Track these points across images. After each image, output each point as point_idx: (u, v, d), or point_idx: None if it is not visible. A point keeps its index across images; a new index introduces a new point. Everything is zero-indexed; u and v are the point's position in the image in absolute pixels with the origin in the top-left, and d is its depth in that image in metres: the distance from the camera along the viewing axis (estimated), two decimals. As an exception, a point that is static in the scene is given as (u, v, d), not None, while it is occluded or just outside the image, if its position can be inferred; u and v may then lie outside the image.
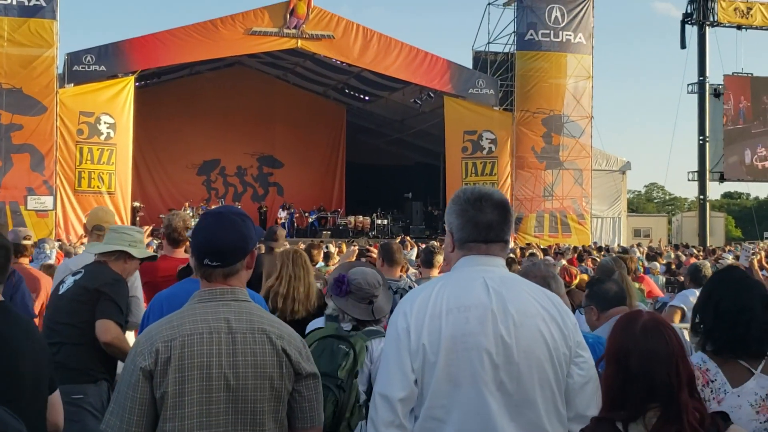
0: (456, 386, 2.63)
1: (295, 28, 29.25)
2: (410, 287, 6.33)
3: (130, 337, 6.72)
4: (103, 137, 27.42)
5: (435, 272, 6.95)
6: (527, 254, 14.35)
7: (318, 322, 4.27)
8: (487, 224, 2.79)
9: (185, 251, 6.10)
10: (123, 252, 5.16)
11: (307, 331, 4.21)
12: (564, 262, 12.64)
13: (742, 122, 39.37)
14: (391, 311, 5.73)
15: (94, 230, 6.03)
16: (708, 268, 7.11)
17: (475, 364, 2.62)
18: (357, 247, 8.29)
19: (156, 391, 2.65)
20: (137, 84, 28.99)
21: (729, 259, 15.85)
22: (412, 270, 11.00)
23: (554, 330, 2.70)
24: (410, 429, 2.67)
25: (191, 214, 28.47)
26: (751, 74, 39.59)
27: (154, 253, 5.97)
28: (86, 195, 26.83)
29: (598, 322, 4.52)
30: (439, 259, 6.96)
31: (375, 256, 6.90)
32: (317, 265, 9.42)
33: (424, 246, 9.57)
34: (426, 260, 7.07)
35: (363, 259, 6.73)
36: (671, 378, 2.41)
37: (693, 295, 7.13)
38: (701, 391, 2.94)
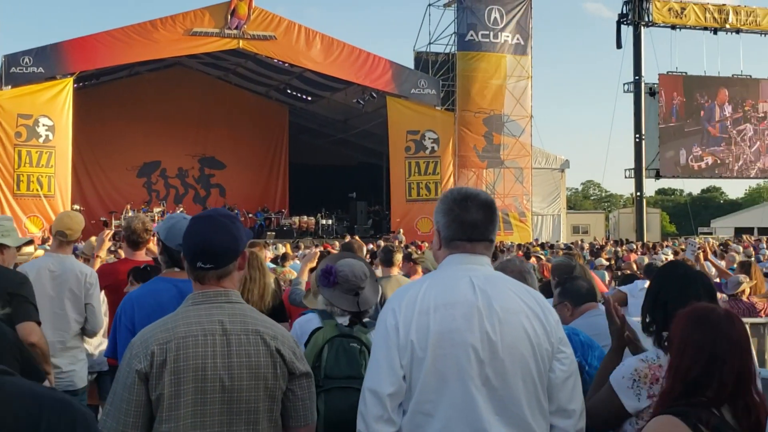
0: (443, 381, 2.70)
1: (236, 28, 29.11)
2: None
3: (92, 343, 6.71)
4: (41, 140, 26.95)
5: (395, 270, 7.08)
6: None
7: (312, 319, 4.29)
8: (472, 223, 2.87)
9: (146, 253, 6.10)
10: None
11: (304, 330, 4.21)
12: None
13: (674, 120, 40.28)
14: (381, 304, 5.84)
15: (57, 236, 6.00)
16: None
17: (462, 360, 2.69)
18: (318, 250, 8.35)
19: (152, 393, 2.68)
20: (76, 86, 28.52)
21: (669, 254, 16.28)
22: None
23: (537, 326, 2.78)
24: (399, 423, 2.72)
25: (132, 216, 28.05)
26: (685, 73, 40.55)
27: (29, 238, 5.91)
28: (25, 198, 26.39)
29: (572, 318, 4.65)
30: (398, 257, 7.08)
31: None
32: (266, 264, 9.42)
33: (374, 247, 9.67)
34: (385, 259, 7.18)
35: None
36: (749, 365, 2.53)
37: (644, 284, 7.40)
38: (650, 387, 3.03)
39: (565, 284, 4.90)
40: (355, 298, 4.13)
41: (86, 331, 6.02)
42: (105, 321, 6.20)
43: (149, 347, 2.71)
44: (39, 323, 4.84)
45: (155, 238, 4.57)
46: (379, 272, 7.08)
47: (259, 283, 5.25)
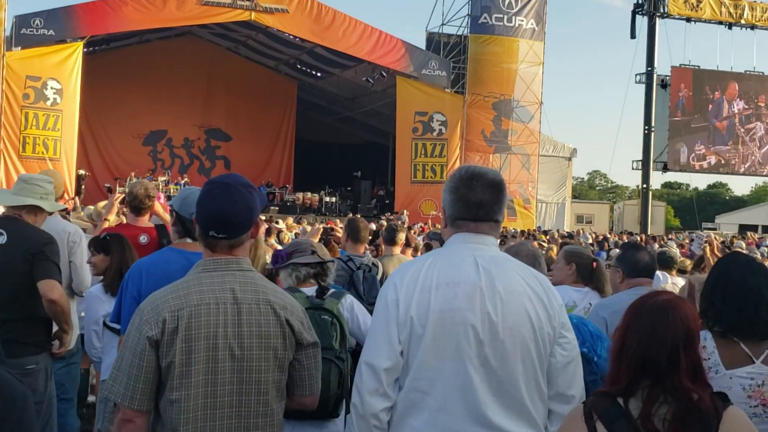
0: (441, 359, 2.67)
1: (248, 0, 28.93)
2: (374, 263, 6.37)
3: (73, 305, 6.66)
4: (49, 102, 26.90)
5: (397, 249, 7.03)
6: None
7: None
8: (477, 203, 2.83)
9: (149, 219, 6.07)
10: (34, 205, 5.11)
11: None
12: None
13: (680, 114, 40.03)
14: (353, 281, 5.82)
15: None
16: (677, 254, 7.33)
17: (461, 339, 2.67)
18: (321, 226, 8.29)
19: (162, 360, 2.68)
20: (86, 50, 28.47)
21: (673, 248, 16.19)
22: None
23: (540, 309, 2.75)
24: (394, 398, 2.71)
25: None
26: (698, 66, 40.33)
27: (64, 206, 5.87)
28: (30, 160, 26.34)
29: (621, 285, 4.71)
30: (401, 237, 7.03)
31: (339, 234, 6.91)
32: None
33: (375, 225, 9.62)
34: (388, 238, 7.12)
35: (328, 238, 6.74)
36: (663, 359, 2.45)
37: (665, 279, 7.40)
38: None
39: (626, 252, 4.92)
40: (313, 255, 4.21)
41: (73, 289, 5.97)
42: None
43: (161, 314, 2.70)
44: (60, 282, 4.87)
45: (169, 210, 4.55)
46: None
47: (250, 254, 5.26)
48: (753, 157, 41.90)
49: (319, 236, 6.81)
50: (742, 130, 41.45)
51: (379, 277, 6.19)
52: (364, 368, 2.73)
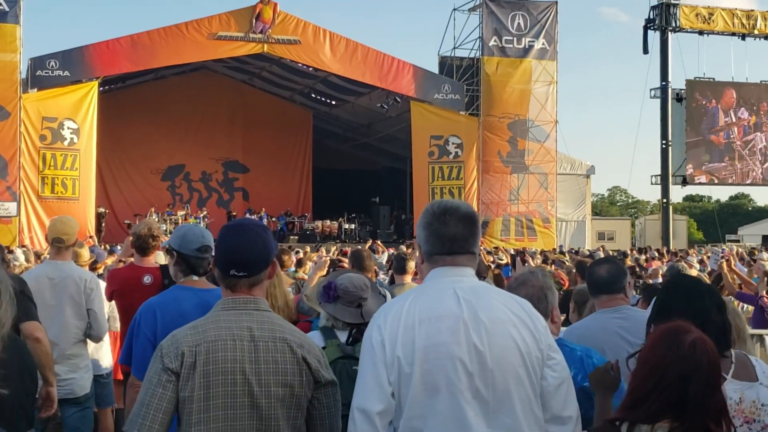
0: (432, 396, 2.65)
1: (261, 32, 29.21)
2: (381, 294, 6.32)
3: (99, 348, 6.70)
4: (66, 143, 27.19)
5: (408, 278, 6.98)
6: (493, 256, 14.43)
7: (315, 338, 4.25)
8: (451, 237, 2.83)
9: (155, 259, 6.08)
10: None
11: None
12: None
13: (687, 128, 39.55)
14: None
15: (54, 243, 6.01)
16: (688, 269, 7.22)
17: (450, 373, 2.65)
18: (328, 258, 8.29)
19: (180, 391, 2.76)
20: (101, 89, 28.78)
21: (694, 263, 16.05)
22: (381, 275, 11.04)
23: (525, 334, 2.73)
24: None
25: (157, 219, 28.30)
26: (713, 78, 40.09)
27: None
28: (50, 201, 26.62)
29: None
30: (411, 265, 6.98)
31: (346, 266, 6.89)
32: (289, 270, 9.41)
33: (395, 252, 9.60)
34: (398, 267, 7.09)
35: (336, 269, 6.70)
36: (699, 396, 2.47)
37: None
38: None
39: (588, 270, 4.69)
40: (357, 310, 4.09)
41: (91, 336, 6.04)
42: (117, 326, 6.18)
43: (180, 348, 2.79)
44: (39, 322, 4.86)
45: (167, 251, 4.54)
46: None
47: (279, 289, 5.29)
48: (754, 173, 40.65)
49: (326, 269, 6.77)
50: (739, 143, 40.15)
51: None
52: (357, 414, 2.69)
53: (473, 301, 2.74)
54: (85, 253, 7.49)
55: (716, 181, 40.77)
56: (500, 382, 2.66)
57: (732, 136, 40.16)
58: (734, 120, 40.20)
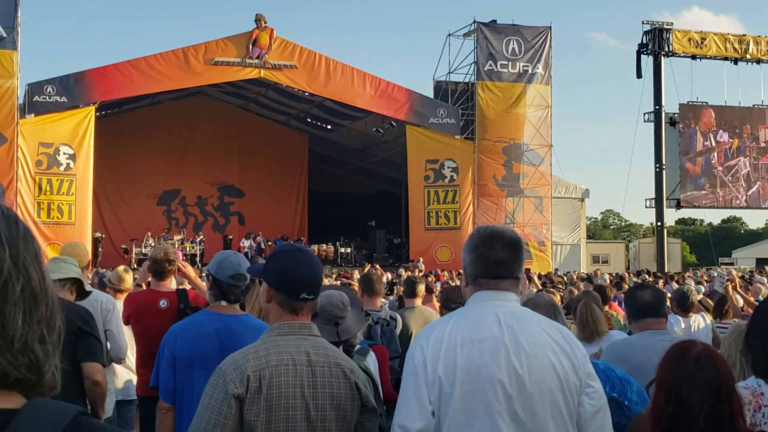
0: (471, 417, 2.70)
1: (257, 58, 29.35)
2: (391, 317, 6.37)
3: (117, 371, 6.73)
4: (62, 168, 27.21)
5: (418, 301, 7.04)
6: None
7: None
8: (497, 261, 2.89)
9: (171, 284, 6.14)
10: (74, 280, 5.16)
11: None
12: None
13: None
14: (370, 336, 5.81)
15: None
16: (695, 293, 7.24)
17: (489, 395, 2.69)
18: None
19: (245, 415, 2.82)
20: (98, 114, 28.82)
21: (691, 285, 16.06)
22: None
23: (564, 361, 2.78)
24: None
25: (153, 243, 28.30)
26: (705, 102, 40.36)
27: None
28: (46, 226, 26.56)
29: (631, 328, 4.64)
30: (421, 288, 7.05)
31: (356, 288, 6.94)
32: None
33: (399, 277, 9.62)
34: (408, 290, 7.15)
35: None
36: (723, 409, 2.50)
37: (677, 322, 7.26)
38: (753, 415, 3.02)
39: (628, 293, 4.84)
40: (334, 329, 4.13)
41: (111, 357, 6.06)
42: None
43: (244, 373, 2.85)
44: (103, 364, 4.95)
45: (205, 275, 4.64)
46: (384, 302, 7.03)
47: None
48: (738, 201, 40.51)
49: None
50: (720, 169, 39.87)
51: (398, 331, 6.18)
52: (398, 431, 2.75)
53: (514, 325, 2.80)
54: (129, 279, 7.54)
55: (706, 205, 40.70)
56: (538, 405, 2.71)
57: (712, 162, 40.02)
58: (714, 144, 40.04)
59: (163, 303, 5.81)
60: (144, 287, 6.75)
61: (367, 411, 3.04)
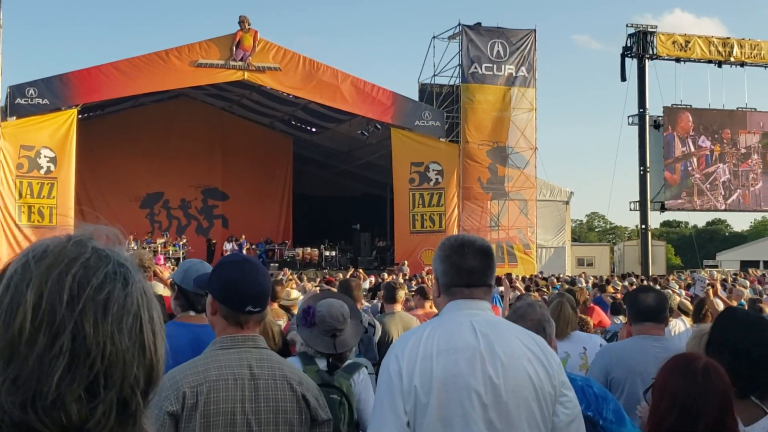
0: (447, 426, 2.69)
1: (241, 60, 29.25)
2: (370, 323, 6.29)
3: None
4: (43, 171, 27.06)
5: (398, 306, 7.01)
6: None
7: (294, 364, 4.19)
8: (469, 270, 2.89)
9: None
10: None
11: None
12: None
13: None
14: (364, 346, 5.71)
15: None
16: (675, 298, 7.18)
17: (466, 405, 2.69)
18: (315, 290, 8.24)
19: None
20: (80, 116, 28.63)
21: (675, 288, 16.07)
22: (365, 302, 10.98)
23: (539, 370, 2.78)
24: None
25: (135, 247, 28.10)
26: (690, 105, 40.51)
27: None
28: (27, 229, 26.34)
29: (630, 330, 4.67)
30: (401, 294, 7.00)
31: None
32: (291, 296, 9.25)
33: (383, 281, 9.55)
34: (389, 296, 7.10)
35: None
36: (726, 420, 2.55)
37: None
38: None
39: (630, 295, 4.90)
40: (332, 340, 4.07)
41: None
42: None
43: (180, 389, 2.75)
44: None
45: (170, 284, 4.58)
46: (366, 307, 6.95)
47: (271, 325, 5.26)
48: (717, 209, 40.57)
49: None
50: (699, 176, 39.81)
51: (376, 338, 6.09)
52: None
53: (490, 334, 2.79)
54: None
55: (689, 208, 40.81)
56: (514, 414, 2.70)
57: (690, 169, 40.01)
58: (693, 149, 40.07)
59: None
60: None
61: (318, 424, 2.93)
